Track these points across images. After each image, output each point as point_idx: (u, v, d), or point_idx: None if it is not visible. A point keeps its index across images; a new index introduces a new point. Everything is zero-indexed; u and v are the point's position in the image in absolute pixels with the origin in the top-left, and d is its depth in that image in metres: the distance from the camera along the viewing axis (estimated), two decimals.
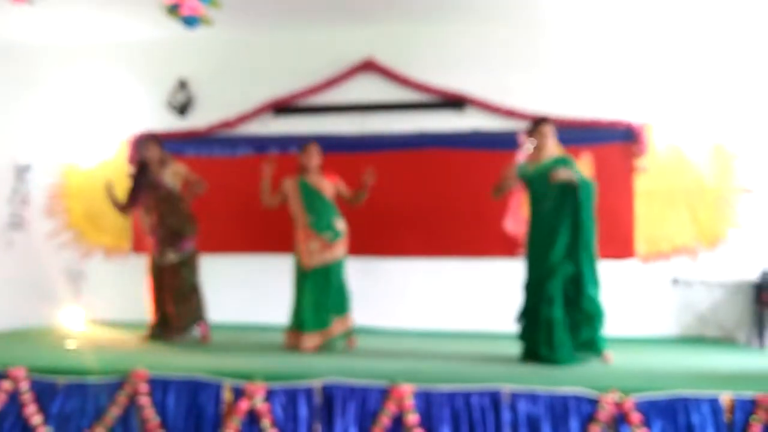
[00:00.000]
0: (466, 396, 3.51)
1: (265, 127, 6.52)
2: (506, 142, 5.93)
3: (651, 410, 3.41)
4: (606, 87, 6.06)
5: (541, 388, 3.51)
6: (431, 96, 6.29)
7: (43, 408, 3.77)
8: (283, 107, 6.49)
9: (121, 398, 3.70)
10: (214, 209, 6.13)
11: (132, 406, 3.70)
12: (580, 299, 4.38)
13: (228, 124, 6.54)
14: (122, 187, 5.52)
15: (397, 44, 6.34)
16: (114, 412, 3.68)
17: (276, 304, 5.48)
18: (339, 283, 5.02)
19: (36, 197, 6.82)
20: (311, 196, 5.04)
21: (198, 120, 6.61)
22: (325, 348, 4.90)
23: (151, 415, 3.66)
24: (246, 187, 6.19)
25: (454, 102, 6.24)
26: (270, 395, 3.60)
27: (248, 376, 3.66)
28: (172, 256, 5.26)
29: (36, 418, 3.74)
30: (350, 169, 5.34)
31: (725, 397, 3.44)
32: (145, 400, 3.68)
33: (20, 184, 6.84)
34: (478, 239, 6.06)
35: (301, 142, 5.29)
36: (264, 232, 6.22)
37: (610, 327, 4.61)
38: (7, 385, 3.78)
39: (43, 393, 3.79)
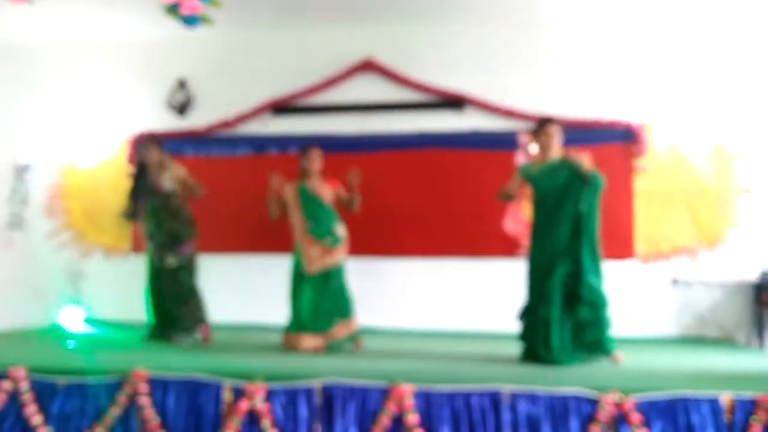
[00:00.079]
0: (466, 396, 3.50)
1: (265, 127, 6.51)
2: (506, 142, 5.94)
3: (651, 410, 3.41)
4: (606, 87, 6.07)
5: (541, 389, 3.51)
6: (431, 96, 6.29)
7: (43, 408, 3.76)
8: (282, 107, 6.48)
9: (121, 398, 3.69)
10: (214, 209, 6.11)
11: (132, 406, 3.69)
12: (580, 289, 4.33)
13: (227, 124, 6.53)
14: (122, 187, 5.50)
15: (397, 44, 6.34)
16: (114, 413, 3.67)
17: (276, 304, 5.47)
18: (339, 286, 5.01)
19: (35, 197, 6.82)
20: (311, 203, 5.03)
21: (197, 120, 6.61)
22: (329, 351, 4.88)
23: (151, 415, 3.65)
24: (245, 187, 6.21)
25: (453, 102, 6.24)
26: (270, 395, 3.59)
27: (248, 377, 3.65)
28: (171, 261, 5.22)
29: (36, 418, 3.73)
30: (350, 169, 5.34)
31: (725, 398, 3.44)
32: (145, 401, 3.67)
33: (20, 183, 6.83)
34: (478, 239, 6.06)
35: (301, 142, 5.28)
36: (263, 232, 6.19)
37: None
38: (7, 385, 3.77)
39: (43, 393, 3.78)
